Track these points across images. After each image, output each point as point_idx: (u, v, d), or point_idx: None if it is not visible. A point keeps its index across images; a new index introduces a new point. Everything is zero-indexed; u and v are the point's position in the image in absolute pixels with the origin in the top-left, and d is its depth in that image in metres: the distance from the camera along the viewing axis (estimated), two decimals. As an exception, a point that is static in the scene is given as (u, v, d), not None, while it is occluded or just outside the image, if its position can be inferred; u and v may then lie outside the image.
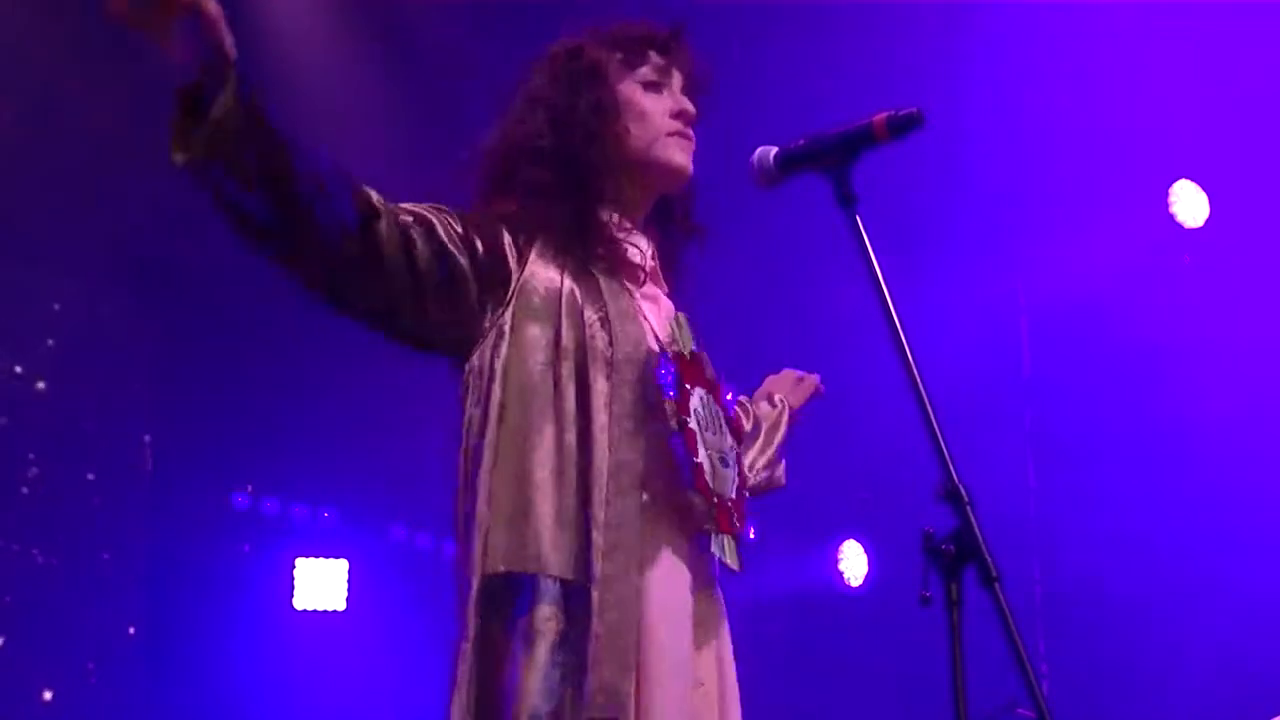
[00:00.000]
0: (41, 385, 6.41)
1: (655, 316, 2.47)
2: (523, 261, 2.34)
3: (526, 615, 2.16)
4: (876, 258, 2.17)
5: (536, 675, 2.12)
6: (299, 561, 6.88)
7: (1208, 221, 6.52)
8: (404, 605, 6.96)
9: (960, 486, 2.03)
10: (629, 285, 2.45)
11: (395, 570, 7.06)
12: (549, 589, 2.17)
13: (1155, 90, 6.25)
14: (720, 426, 2.44)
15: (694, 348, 2.46)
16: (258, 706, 6.60)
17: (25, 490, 6.33)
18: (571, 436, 2.24)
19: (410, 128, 6.83)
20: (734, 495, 2.40)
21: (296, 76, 6.52)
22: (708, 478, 2.34)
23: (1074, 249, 6.56)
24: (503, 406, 2.26)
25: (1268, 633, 6.03)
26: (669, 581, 2.29)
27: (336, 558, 6.93)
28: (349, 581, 6.93)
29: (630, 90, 2.50)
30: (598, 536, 2.20)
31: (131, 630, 6.53)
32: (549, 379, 2.26)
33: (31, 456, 6.35)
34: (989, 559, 1.98)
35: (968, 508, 2.02)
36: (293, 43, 6.46)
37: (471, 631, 2.18)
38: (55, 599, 6.27)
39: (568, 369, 2.28)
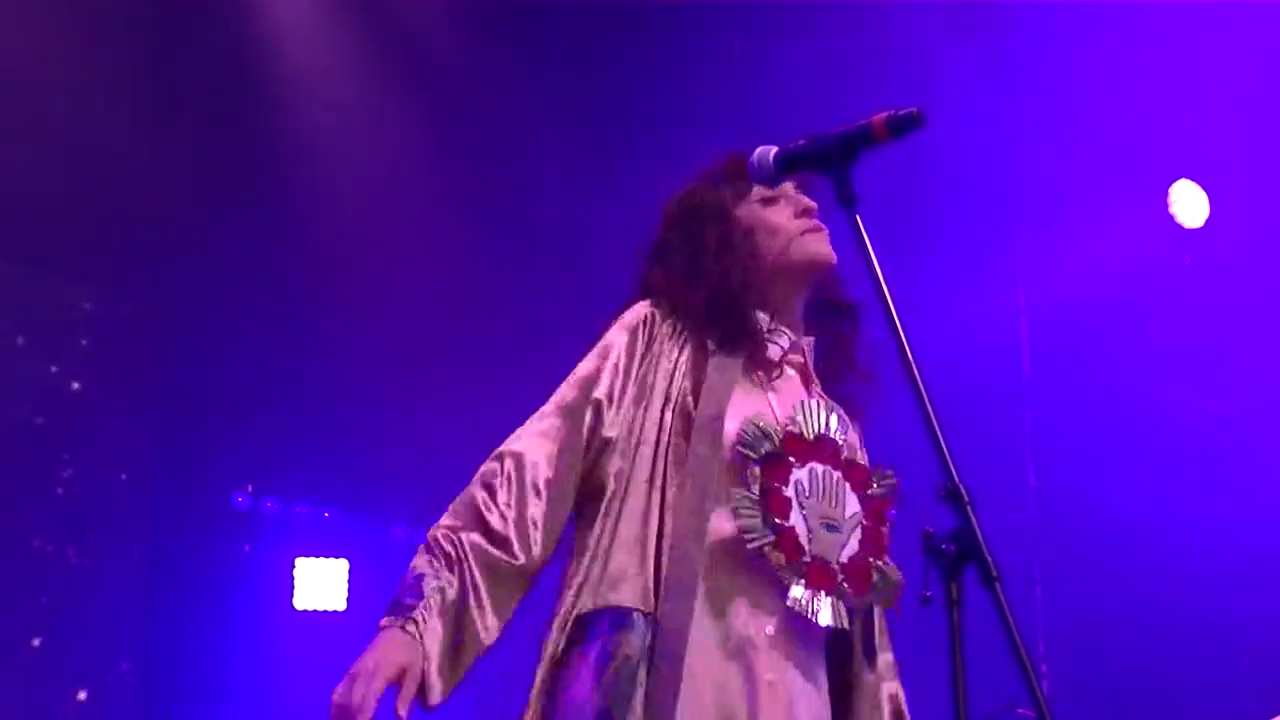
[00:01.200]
0: (76, 386, 6.45)
1: (778, 400, 2.64)
2: (653, 352, 2.64)
3: (596, 641, 2.44)
4: (877, 257, 2.17)
5: (594, 688, 2.41)
6: (299, 561, 6.87)
7: (1208, 221, 6.51)
8: (404, 605, 6.95)
9: (960, 486, 2.03)
10: (759, 375, 2.66)
11: (395, 570, 6.99)
12: (617, 618, 2.44)
13: (1155, 90, 6.25)
14: (837, 499, 2.58)
15: (825, 432, 2.61)
16: (258, 706, 6.60)
17: (60, 491, 6.36)
18: (657, 494, 2.51)
19: (410, 127, 6.84)
20: (844, 560, 2.55)
21: (297, 76, 6.54)
22: (803, 540, 2.50)
23: (1074, 249, 6.55)
24: (619, 474, 2.55)
25: (1268, 633, 6.03)
26: (732, 623, 2.49)
27: (336, 558, 6.92)
28: (349, 581, 6.93)
29: (750, 212, 2.71)
30: (665, 575, 2.45)
31: (162, 630, 6.55)
32: (654, 445, 2.55)
33: (66, 457, 6.39)
34: (989, 559, 1.98)
35: (968, 508, 2.01)
36: (293, 43, 6.47)
37: (548, 655, 2.47)
38: (90, 599, 6.31)
39: (667, 436, 2.55)
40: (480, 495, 2.49)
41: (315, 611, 6.88)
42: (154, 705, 6.46)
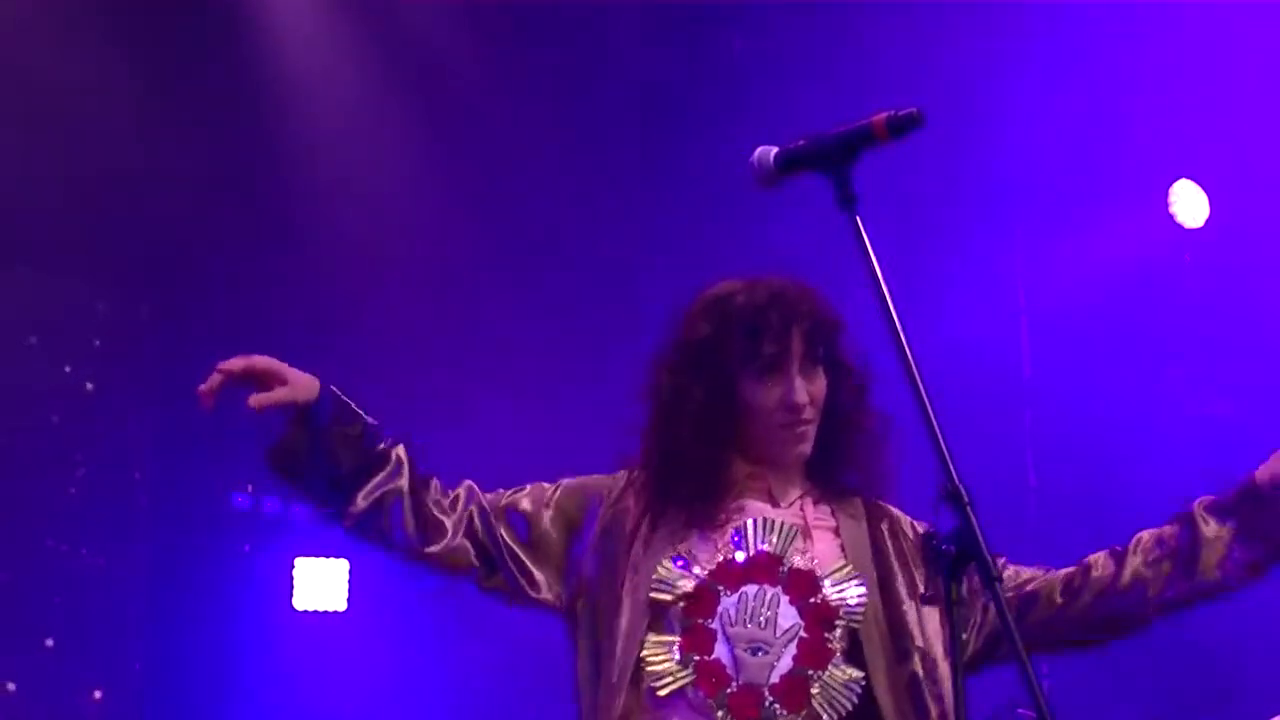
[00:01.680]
0: (90, 386, 6.47)
1: (725, 533, 2.61)
2: (611, 504, 2.71)
3: None
4: (877, 258, 2.17)
5: None
6: (299, 561, 6.87)
7: (1208, 221, 6.52)
8: (404, 605, 6.95)
9: (960, 486, 2.03)
10: (710, 516, 2.63)
11: (395, 570, 7.02)
12: None
13: (1155, 90, 6.25)
14: (767, 619, 2.54)
15: (768, 549, 2.58)
16: (258, 706, 6.60)
17: (73, 490, 6.39)
18: (606, 644, 2.59)
19: (412, 128, 6.85)
20: (775, 680, 2.51)
21: (299, 79, 6.55)
22: (728, 670, 2.51)
23: (1074, 249, 6.56)
24: (586, 611, 2.66)
25: (1268, 634, 6.03)
26: None
27: (336, 558, 6.92)
28: (349, 581, 6.93)
29: (745, 387, 2.61)
30: None
31: (163, 631, 6.56)
32: (615, 595, 2.62)
33: (79, 457, 6.41)
34: (989, 559, 1.98)
35: (968, 508, 2.02)
36: (294, 44, 6.48)
37: None
38: (102, 599, 6.33)
39: (621, 590, 2.61)
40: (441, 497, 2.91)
41: (315, 612, 6.88)
42: (156, 705, 6.46)
